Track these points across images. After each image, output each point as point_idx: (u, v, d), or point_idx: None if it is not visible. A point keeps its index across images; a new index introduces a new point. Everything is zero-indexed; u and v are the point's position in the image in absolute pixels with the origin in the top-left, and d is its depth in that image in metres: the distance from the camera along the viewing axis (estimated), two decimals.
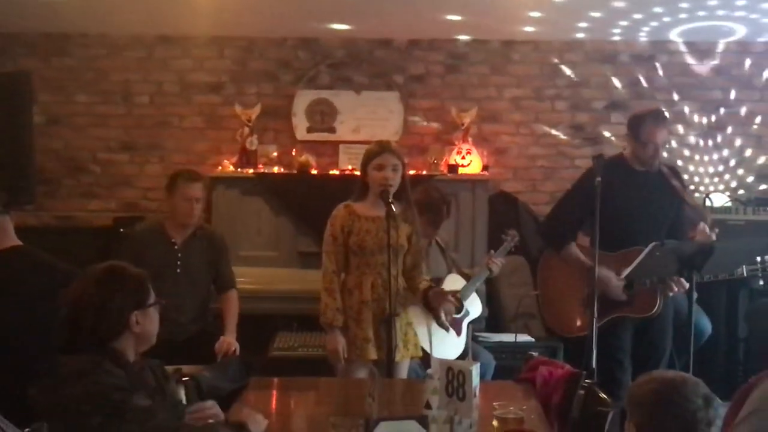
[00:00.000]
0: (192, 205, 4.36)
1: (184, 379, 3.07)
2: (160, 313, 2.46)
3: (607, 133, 6.08)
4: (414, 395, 3.00)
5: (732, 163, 6.07)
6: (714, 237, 4.07)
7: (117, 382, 2.21)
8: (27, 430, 2.31)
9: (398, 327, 3.68)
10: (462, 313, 4.36)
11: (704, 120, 6.07)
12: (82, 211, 6.07)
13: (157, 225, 4.51)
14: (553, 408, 2.97)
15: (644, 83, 6.06)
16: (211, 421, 2.51)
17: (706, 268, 4.05)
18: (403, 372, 3.79)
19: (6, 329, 3.09)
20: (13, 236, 3.30)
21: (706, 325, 5.03)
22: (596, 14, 5.37)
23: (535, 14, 5.38)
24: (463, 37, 6.04)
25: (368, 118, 6.01)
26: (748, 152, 6.06)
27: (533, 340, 5.15)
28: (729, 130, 6.07)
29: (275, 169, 5.67)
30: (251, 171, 5.60)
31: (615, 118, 6.04)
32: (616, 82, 6.09)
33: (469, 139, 5.81)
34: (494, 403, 2.64)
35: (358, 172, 3.92)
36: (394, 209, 3.57)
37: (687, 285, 3.99)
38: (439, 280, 4.22)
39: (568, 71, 6.09)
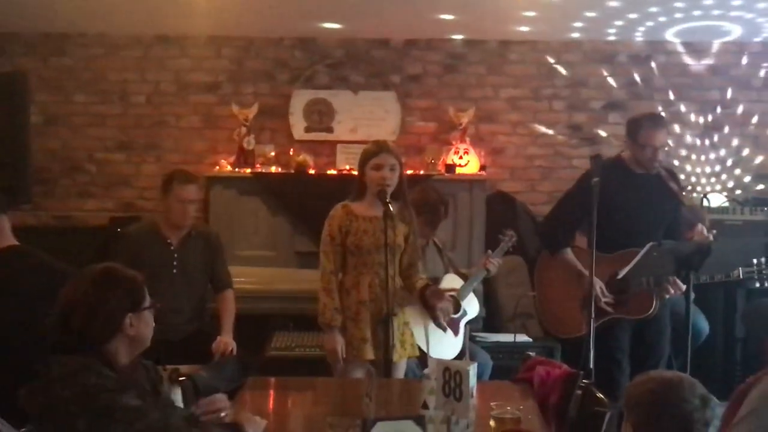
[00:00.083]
0: (185, 207, 4.34)
1: (180, 379, 3.07)
2: (156, 314, 2.46)
3: (604, 133, 6.08)
4: (411, 395, 2.99)
5: (729, 162, 6.06)
6: (711, 237, 4.09)
7: (106, 384, 2.20)
8: None
9: (395, 327, 3.66)
10: (459, 313, 4.36)
11: (701, 120, 6.07)
12: (79, 211, 6.06)
13: (152, 225, 4.48)
14: (551, 408, 2.97)
15: (641, 83, 6.07)
16: (223, 414, 2.53)
17: (704, 268, 4.06)
18: (400, 372, 3.79)
19: (5, 329, 3.09)
20: (10, 236, 3.29)
21: (704, 325, 5.03)
22: (591, 14, 5.37)
23: (530, 14, 5.38)
24: (460, 37, 6.04)
25: (365, 117, 6.00)
26: (745, 152, 6.06)
27: (531, 340, 5.13)
28: (726, 129, 6.07)
29: (272, 169, 5.66)
30: (248, 171, 5.60)
31: (612, 118, 6.04)
32: (613, 82, 6.09)
33: (467, 139, 5.81)
34: (491, 403, 2.64)
35: (355, 172, 3.92)
36: (391, 209, 3.56)
37: (683, 287, 4.00)
38: (436, 280, 4.21)
39: (565, 71, 6.09)
